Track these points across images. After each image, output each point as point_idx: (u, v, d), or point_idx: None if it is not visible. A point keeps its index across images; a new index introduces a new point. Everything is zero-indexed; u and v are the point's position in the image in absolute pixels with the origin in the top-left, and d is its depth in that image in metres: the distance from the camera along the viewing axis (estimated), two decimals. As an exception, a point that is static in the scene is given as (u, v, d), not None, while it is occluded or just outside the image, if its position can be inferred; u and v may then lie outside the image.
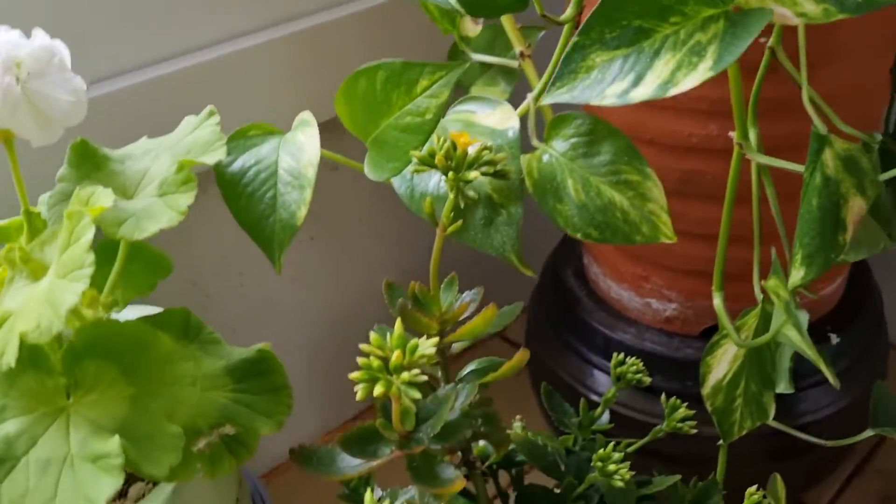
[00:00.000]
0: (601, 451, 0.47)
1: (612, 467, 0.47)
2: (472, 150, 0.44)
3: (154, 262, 0.50)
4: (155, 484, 0.46)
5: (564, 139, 0.50)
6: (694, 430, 0.53)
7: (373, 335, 0.38)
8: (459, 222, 0.45)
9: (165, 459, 0.37)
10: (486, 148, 0.44)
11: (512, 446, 0.54)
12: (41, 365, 0.38)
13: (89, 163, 0.45)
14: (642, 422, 0.72)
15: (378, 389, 0.37)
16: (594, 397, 0.75)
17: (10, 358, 0.35)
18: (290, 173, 0.45)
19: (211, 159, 0.42)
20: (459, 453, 0.51)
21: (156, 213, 0.40)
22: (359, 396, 0.37)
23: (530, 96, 0.58)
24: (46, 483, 0.36)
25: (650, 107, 0.61)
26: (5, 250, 0.41)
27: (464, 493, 0.56)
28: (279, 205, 0.45)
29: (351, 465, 0.45)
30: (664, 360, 0.72)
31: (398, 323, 0.38)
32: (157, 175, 0.43)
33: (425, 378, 0.37)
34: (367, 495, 0.39)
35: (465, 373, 0.51)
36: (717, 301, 0.54)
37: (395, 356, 0.37)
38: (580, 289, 0.80)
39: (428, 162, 0.44)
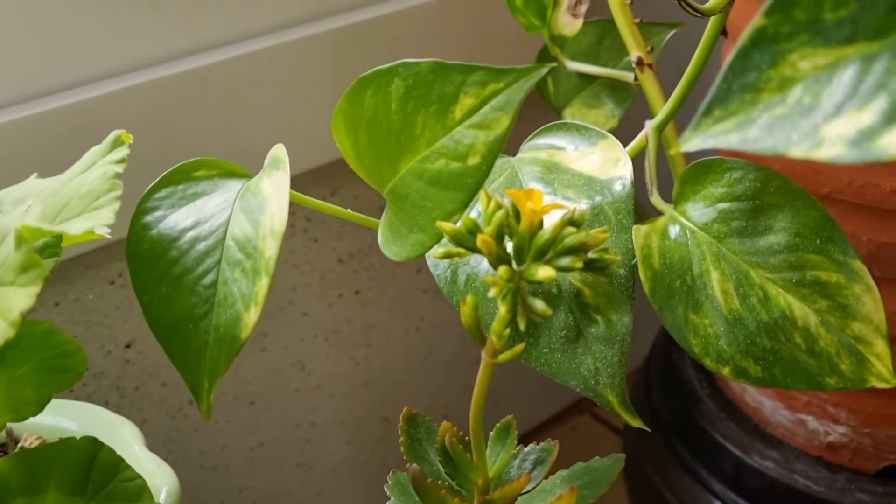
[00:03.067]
0: None
1: None
2: (547, 224, 0.24)
3: (54, 361, 0.33)
4: None
5: (708, 203, 0.30)
6: None
7: None
8: (518, 347, 0.25)
9: None
10: (571, 220, 0.24)
11: None
12: None
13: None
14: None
15: None
16: (716, 540, 0.54)
17: None
18: (242, 247, 0.27)
19: (79, 227, 0.24)
20: None
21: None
22: None
23: (649, 125, 0.38)
24: None
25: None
26: None
27: None
28: (219, 299, 0.27)
29: None
30: (823, 506, 0.50)
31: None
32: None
33: None
34: None
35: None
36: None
37: None
38: (702, 386, 0.59)
39: (466, 241, 0.25)
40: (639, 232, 0.30)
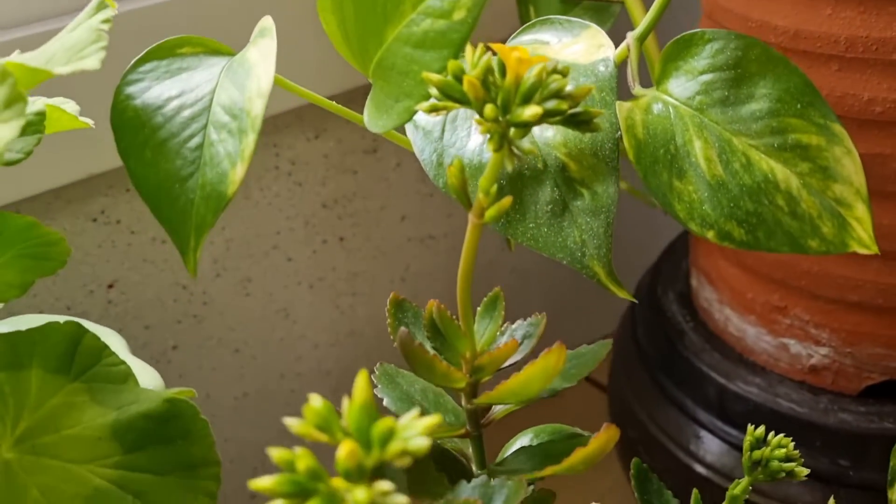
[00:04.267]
0: None
1: None
2: (530, 74, 0.25)
3: (36, 248, 0.33)
4: None
5: (690, 77, 0.30)
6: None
7: (310, 404, 0.19)
8: (506, 200, 0.26)
9: None
10: (556, 71, 0.25)
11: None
12: None
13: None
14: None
15: (305, 520, 0.18)
16: (701, 469, 0.55)
17: None
18: (228, 110, 0.27)
19: (64, 69, 0.24)
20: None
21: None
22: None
23: (630, 35, 0.39)
24: None
25: (809, 57, 0.41)
26: None
27: None
28: (205, 160, 0.27)
29: None
30: (806, 427, 0.51)
31: (360, 381, 0.19)
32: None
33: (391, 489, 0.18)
34: None
35: (511, 452, 0.32)
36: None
37: (345, 452, 0.18)
38: (685, 318, 0.59)
39: (453, 91, 0.25)
40: (622, 107, 0.30)
